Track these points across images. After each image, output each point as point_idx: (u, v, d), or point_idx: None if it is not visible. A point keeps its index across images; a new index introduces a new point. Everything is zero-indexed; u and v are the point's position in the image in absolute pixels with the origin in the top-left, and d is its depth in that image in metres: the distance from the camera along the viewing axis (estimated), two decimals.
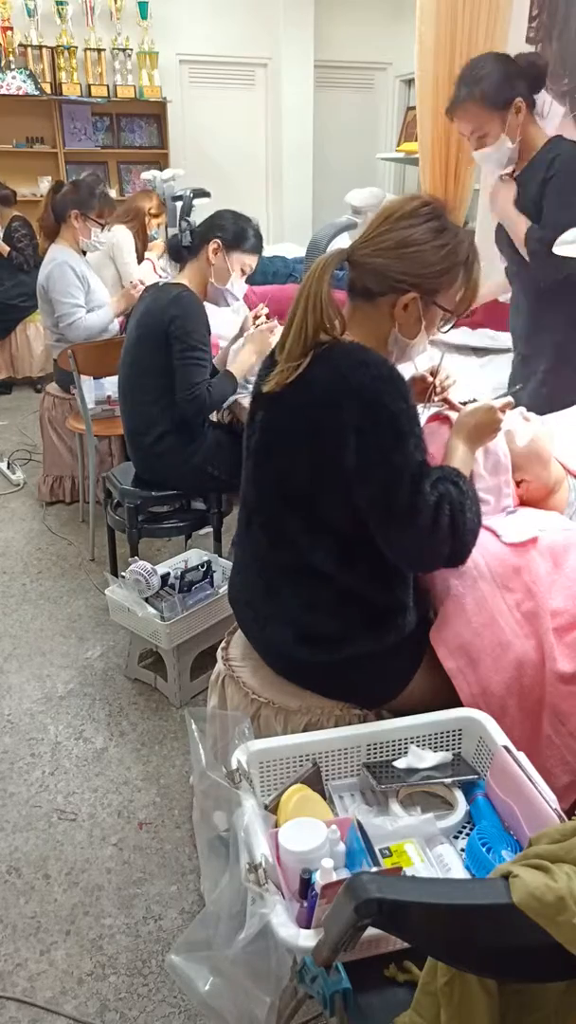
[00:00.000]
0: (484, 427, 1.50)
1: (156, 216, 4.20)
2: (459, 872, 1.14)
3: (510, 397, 1.55)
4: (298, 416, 1.36)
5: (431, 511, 1.31)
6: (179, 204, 2.67)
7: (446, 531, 1.33)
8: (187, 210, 2.60)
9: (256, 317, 2.60)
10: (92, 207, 3.21)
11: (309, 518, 1.40)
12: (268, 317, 2.62)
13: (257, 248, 2.46)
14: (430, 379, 1.64)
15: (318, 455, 1.34)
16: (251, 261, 2.46)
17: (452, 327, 1.47)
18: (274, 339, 2.55)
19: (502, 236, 2.22)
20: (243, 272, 2.46)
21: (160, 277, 3.73)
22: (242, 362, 2.51)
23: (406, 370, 1.41)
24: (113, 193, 5.25)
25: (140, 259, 4.00)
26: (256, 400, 1.49)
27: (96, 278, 3.35)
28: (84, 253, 3.32)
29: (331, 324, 1.32)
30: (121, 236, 3.89)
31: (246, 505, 1.56)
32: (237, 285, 2.45)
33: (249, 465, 1.51)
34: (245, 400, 2.54)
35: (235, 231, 2.39)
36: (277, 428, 1.42)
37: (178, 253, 2.44)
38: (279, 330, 2.62)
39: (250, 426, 1.51)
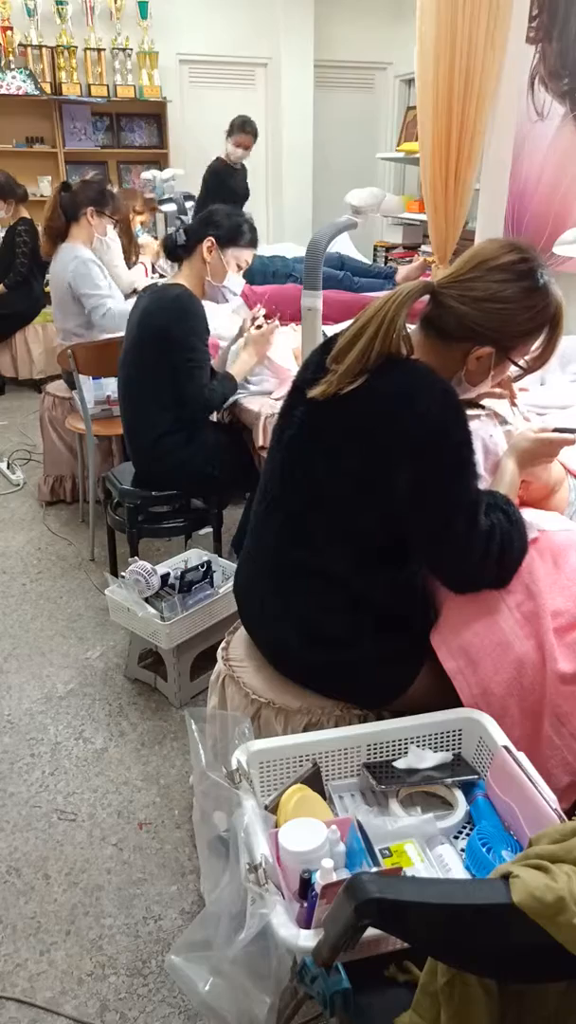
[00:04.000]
0: (538, 457, 1.51)
1: (139, 214, 4.19)
2: (459, 872, 1.14)
3: (572, 435, 1.52)
4: (351, 423, 1.34)
5: (483, 542, 1.33)
6: (174, 206, 2.70)
7: (495, 560, 1.36)
8: (181, 210, 2.63)
9: (254, 319, 2.60)
10: (107, 204, 3.27)
11: (336, 523, 1.39)
12: (267, 318, 2.62)
13: (253, 242, 2.47)
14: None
15: (366, 467, 1.33)
16: (247, 256, 2.47)
17: (522, 379, 1.47)
18: (277, 338, 2.56)
19: None
20: (239, 267, 2.46)
21: (155, 279, 3.73)
22: (242, 363, 2.52)
23: None
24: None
25: (127, 256, 3.97)
26: (296, 394, 1.46)
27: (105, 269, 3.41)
28: None
29: (398, 351, 1.30)
30: (110, 236, 3.89)
31: (266, 496, 1.52)
32: (234, 281, 2.45)
33: (279, 457, 1.48)
34: (246, 401, 2.55)
35: (229, 227, 2.39)
36: (323, 429, 1.38)
37: (174, 253, 2.45)
38: (281, 332, 2.63)
39: (286, 417, 1.48)
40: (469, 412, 1.39)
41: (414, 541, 1.38)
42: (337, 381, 1.32)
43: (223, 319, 2.97)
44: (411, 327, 1.37)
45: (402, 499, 1.32)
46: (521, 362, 1.39)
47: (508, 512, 1.39)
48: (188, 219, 2.45)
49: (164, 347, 2.32)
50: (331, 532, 1.40)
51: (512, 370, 1.42)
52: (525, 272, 1.30)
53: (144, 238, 4.11)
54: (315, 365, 1.43)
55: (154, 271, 3.92)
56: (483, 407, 1.66)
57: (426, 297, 1.36)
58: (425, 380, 1.30)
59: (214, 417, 2.71)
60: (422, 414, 1.28)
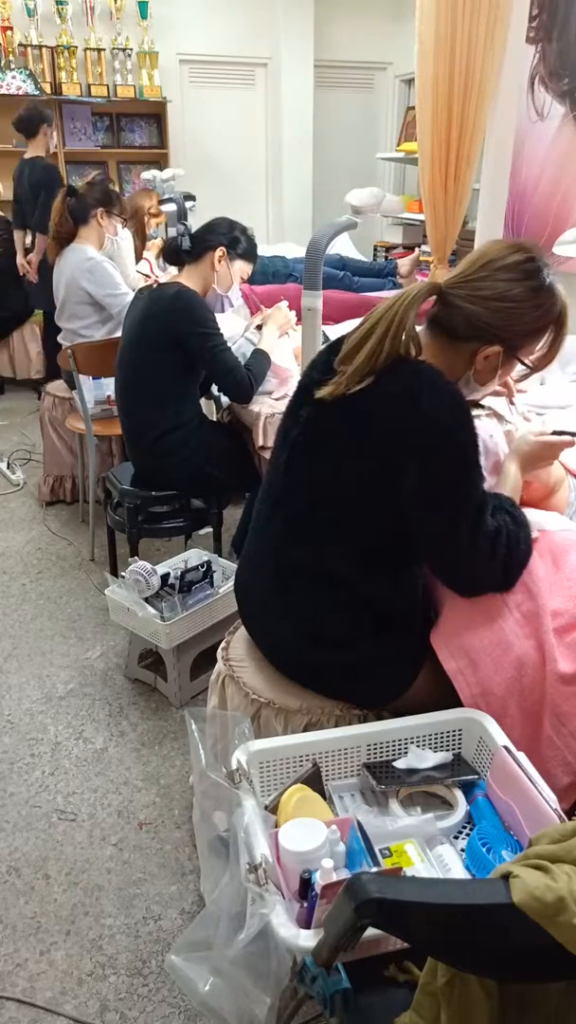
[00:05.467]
0: (539, 459, 1.52)
1: (156, 216, 4.20)
2: (459, 872, 1.14)
3: (571, 438, 1.52)
4: (357, 425, 1.34)
5: (490, 543, 1.33)
6: (174, 207, 2.69)
7: (501, 562, 1.35)
8: (183, 213, 2.63)
9: (259, 327, 2.63)
10: (114, 204, 3.28)
11: (339, 523, 1.39)
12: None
13: (255, 256, 2.52)
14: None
15: (371, 467, 1.33)
16: (249, 268, 2.53)
17: (527, 378, 1.47)
18: (279, 339, 2.58)
19: None
20: (242, 279, 2.50)
21: (157, 276, 3.74)
22: (268, 339, 2.55)
23: None
24: None
25: (139, 258, 4.00)
26: (302, 394, 1.46)
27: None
28: None
29: (407, 352, 1.31)
30: (120, 236, 3.89)
31: (270, 496, 1.53)
32: (235, 291, 2.49)
33: (284, 457, 1.48)
34: None
35: (238, 239, 2.43)
36: (328, 430, 1.39)
37: (176, 256, 2.45)
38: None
39: (291, 418, 1.48)
40: (472, 412, 1.39)
41: (420, 543, 1.38)
42: (346, 382, 1.33)
43: (224, 320, 2.98)
44: (418, 328, 1.37)
45: (408, 501, 1.32)
46: (528, 361, 1.39)
47: (514, 514, 1.40)
48: (189, 225, 2.45)
49: (170, 345, 2.33)
50: (334, 533, 1.40)
51: (518, 369, 1.42)
52: (532, 272, 1.31)
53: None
54: (322, 365, 1.43)
55: (161, 268, 3.93)
56: (483, 407, 1.66)
57: (433, 298, 1.36)
58: (432, 381, 1.30)
59: (214, 417, 2.71)
60: (428, 414, 1.28)
